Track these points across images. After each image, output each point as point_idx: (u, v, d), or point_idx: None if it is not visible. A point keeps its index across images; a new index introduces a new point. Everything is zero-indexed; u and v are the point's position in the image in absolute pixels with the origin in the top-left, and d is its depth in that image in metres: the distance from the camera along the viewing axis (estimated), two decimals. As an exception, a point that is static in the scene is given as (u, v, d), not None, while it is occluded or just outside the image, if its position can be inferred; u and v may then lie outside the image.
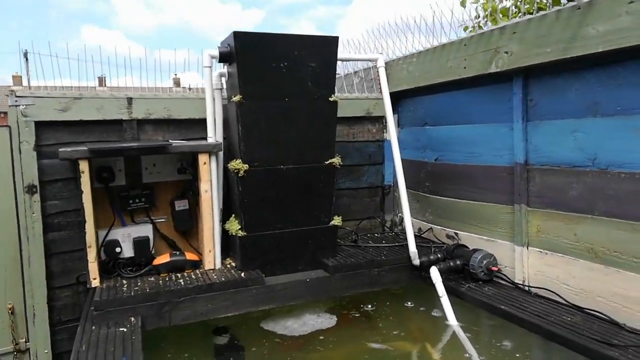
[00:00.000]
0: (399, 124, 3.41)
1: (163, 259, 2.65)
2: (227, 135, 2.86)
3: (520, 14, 2.44)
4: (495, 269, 2.51)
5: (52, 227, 2.76)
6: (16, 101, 2.63)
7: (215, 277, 2.55)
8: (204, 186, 2.65)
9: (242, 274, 2.57)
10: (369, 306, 2.73)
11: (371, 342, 2.35)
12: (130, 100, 2.85)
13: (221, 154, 2.79)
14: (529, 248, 2.41)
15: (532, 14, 2.28)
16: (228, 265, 2.76)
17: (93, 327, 2.21)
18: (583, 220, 2.14)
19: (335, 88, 2.79)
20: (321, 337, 2.40)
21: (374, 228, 3.47)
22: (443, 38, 2.87)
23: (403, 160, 2.92)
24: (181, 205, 2.86)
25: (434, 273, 2.54)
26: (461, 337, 2.28)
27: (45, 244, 2.71)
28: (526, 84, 2.36)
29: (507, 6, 4.46)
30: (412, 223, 3.32)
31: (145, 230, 2.79)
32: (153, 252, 2.79)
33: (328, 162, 2.73)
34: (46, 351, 2.76)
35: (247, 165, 2.58)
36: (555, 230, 2.27)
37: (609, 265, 2.04)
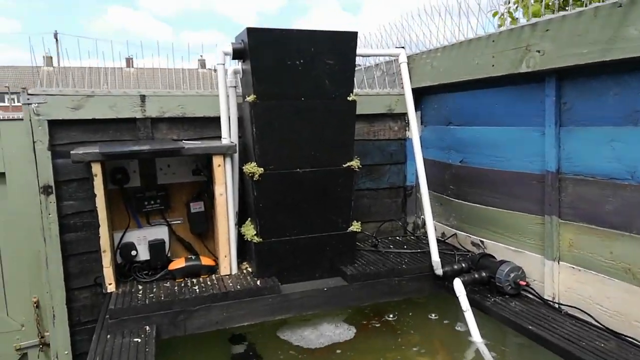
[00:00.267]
0: (422, 122, 3.25)
1: (178, 263, 2.60)
2: (242, 134, 2.77)
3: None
4: (523, 283, 2.37)
5: (68, 228, 2.74)
6: (28, 99, 2.59)
7: (230, 284, 2.49)
8: (218, 189, 2.58)
9: (258, 282, 2.51)
10: (390, 316, 2.64)
11: (390, 358, 2.26)
12: (143, 97, 2.78)
13: (236, 155, 2.70)
14: (560, 263, 2.26)
15: (565, 6, 2.08)
16: (244, 271, 2.70)
17: (108, 336, 2.19)
18: (620, 238, 1.98)
19: (355, 82, 2.66)
20: (338, 351, 2.33)
21: (396, 230, 3.35)
22: (469, 33, 2.68)
23: (426, 161, 2.78)
24: (197, 207, 2.80)
25: (458, 286, 2.42)
26: (486, 357, 2.16)
27: (62, 245, 2.70)
28: (560, 86, 2.17)
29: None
30: (435, 227, 3.18)
31: (160, 232, 2.75)
32: (169, 254, 2.75)
33: (346, 165, 2.61)
34: (66, 352, 2.77)
35: (262, 168, 2.48)
36: (589, 246, 2.11)
37: (648, 289, 1.88)
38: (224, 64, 2.60)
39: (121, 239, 2.66)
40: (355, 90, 3.06)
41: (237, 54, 2.51)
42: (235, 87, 2.72)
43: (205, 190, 2.79)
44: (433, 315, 2.63)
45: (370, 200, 3.29)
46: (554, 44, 2.07)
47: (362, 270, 2.62)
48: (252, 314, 2.42)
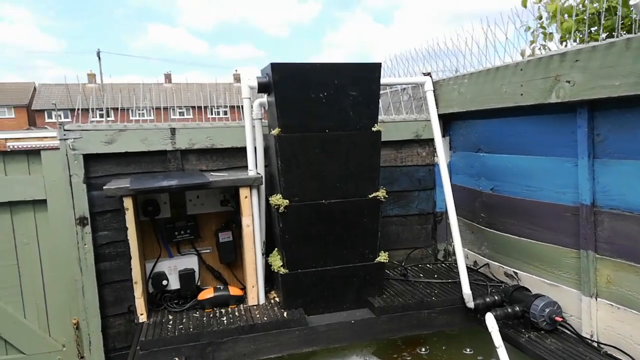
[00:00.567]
0: (450, 147, 3.19)
1: (207, 294, 2.64)
2: (268, 164, 2.80)
3: (585, 14, 2.13)
4: (559, 319, 2.26)
5: (103, 257, 2.84)
6: (65, 135, 2.71)
7: (257, 316, 2.50)
8: (245, 220, 2.61)
9: (285, 314, 2.51)
10: (422, 350, 2.57)
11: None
12: (173, 130, 2.86)
13: (262, 186, 2.72)
14: (598, 299, 2.15)
15: (598, 18, 1.98)
16: (272, 300, 2.71)
17: (138, 368, 2.23)
18: (662, 277, 1.87)
19: (382, 107, 2.64)
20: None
21: (426, 258, 3.28)
22: (496, 61, 2.62)
23: (456, 186, 2.72)
24: (225, 237, 2.84)
25: (490, 320, 2.33)
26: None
27: (97, 273, 2.79)
28: (592, 117, 2.08)
29: (572, 4, 4.07)
30: (467, 255, 3.11)
31: (191, 262, 2.80)
32: (199, 283, 2.80)
33: (372, 195, 2.58)
34: (102, 378, 2.85)
35: (287, 200, 2.49)
36: (629, 284, 2.00)
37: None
38: (249, 98, 2.64)
39: (153, 268, 2.72)
40: (382, 117, 3.05)
41: (262, 88, 2.54)
42: (261, 119, 2.76)
43: (233, 220, 2.83)
44: (468, 349, 2.55)
45: (399, 226, 3.24)
46: (584, 75, 1.99)
47: (390, 302, 2.57)
48: (279, 346, 2.43)
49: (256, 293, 2.67)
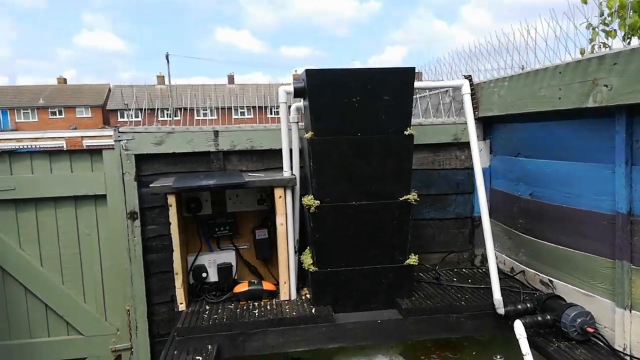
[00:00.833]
0: (491, 151, 3.13)
1: (242, 287, 2.77)
2: (303, 165, 2.89)
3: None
4: (591, 330, 2.18)
5: (150, 250, 3.05)
6: (119, 137, 2.94)
7: (287, 310, 2.60)
8: (279, 219, 2.72)
9: (313, 310, 2.59)
10: (450, 355, 2.55)
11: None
12: (216, 133, 3.01)
13: (297, 187, 2.82)
14: (632, 312, 2.05)
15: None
16: (304, 297, 2.80)
17: (175, 352, 2.40)
18: (700, 292, 1.76)
19: (420, 110, 2.65)
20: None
21: (462, 262, 3.24)
22: (536, 64, 2.55)
23: (496, 191, 2.67)
24: (261, 234, 2.97)
25: (518, 327, 2.29)
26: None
27: (145, 264, 3.01)
28: (631, 122, 1.99)
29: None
30: (504, 261, 3.04)
31: (228, 257, 2.94)
32: (236, 277, 2.94)
33: (403, 198, 2.60)
34: (146, 360, 3.07)
35: (318, 201, 2.57)
36: (665, 297, 1.90)
37: None
38: (286, 102, 2.75)
39: (194, 261, 2.90)
40: (419, 119, 3.05)
41: (298, 93, 2.64)
42: (297, 122, 2.85)
43: (269, 218, 2.94)
44: (498, 356, 2.49)
45: (435, 230, 3.22)
46: (622, 79, 1.91)
47: (418, 305, 2.58)
48: (306, 340, 2.51)
49: (288, 289, 2.77)
